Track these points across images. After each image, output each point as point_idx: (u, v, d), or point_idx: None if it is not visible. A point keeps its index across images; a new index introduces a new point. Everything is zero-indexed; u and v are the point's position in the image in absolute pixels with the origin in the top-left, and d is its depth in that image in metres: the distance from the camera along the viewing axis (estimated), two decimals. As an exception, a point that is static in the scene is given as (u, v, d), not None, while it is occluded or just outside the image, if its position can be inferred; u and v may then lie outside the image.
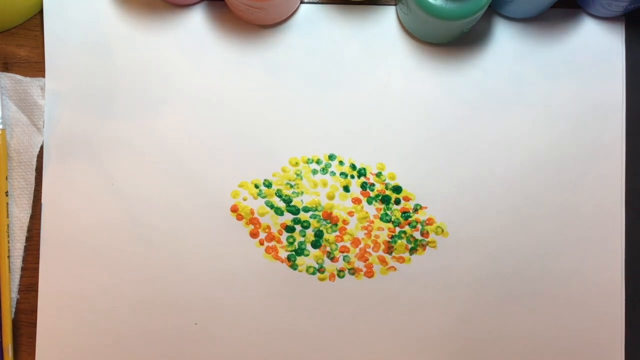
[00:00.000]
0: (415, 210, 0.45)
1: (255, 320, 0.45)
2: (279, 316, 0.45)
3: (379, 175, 0.45)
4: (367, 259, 0.45)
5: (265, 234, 0.45)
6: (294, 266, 0.45)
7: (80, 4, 0.46)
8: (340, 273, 0.45)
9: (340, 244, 0.45)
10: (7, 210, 0.44)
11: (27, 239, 0.45)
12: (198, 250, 0.45)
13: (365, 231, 0.45)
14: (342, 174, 0.45)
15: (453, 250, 0.45)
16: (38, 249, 0.45)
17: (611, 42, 0.46)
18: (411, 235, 0.45)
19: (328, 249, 0.45)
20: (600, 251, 0.45)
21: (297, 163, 0.45)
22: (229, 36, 0.46)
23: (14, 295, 0.45)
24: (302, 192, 0.45)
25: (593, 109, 0.46)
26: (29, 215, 0.45)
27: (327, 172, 0.45)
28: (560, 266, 0.45)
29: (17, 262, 0.45)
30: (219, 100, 0.46)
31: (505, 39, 0.46)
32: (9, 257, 0.44)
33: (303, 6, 0.46)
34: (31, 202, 0.45)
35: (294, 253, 0.45)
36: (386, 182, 0.45)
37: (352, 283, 0.45)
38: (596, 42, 0.46)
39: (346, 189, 0.45)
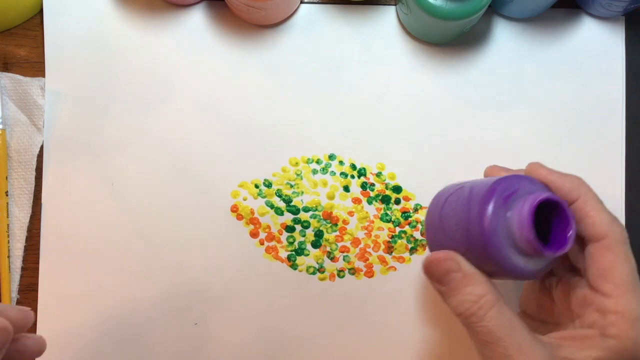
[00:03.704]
0: (415, 210, 0.45)
1: (255, 320, 0.45)
2: (279, 316, 0.45)
3: (379, 175, 0.45)
4: (367, 259, 0.45)
5: (265, 234, 0.45)
6: (294, 266, 0.45)
7: (80, 4, 0.46)
8: (340, 273, 0.45)
9: (340, 244, 0.45)
10: (7, 210, 0.44)
11: (27, 239, 0.45)
12: (198, 250, 0.45)
13: (365, 231, 0.45)
14: (342, 173, 0.45)
15: (453, 250, 0.45)
16: (38, 249, 0.45)
17: (611, 42, 0.46)
18: (411, 235, 0.45)
19: (328, 249, 0.45)
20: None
21: (297, 163, 0.45)
22: (229, 36, 0.46)
23: (14, 295, 0.45)
24: (302, 192, 0.45)
25: (593, 108, 0.46)
26: (29, 215, 0.45)
27: (327, 172, 0.45)
28: (560, 266, 0.45)
29: (17, 262, 0.45)
30: (218, 100, 0.46)
31: (505, 39, 0.46)
32: (9, 257, 0.44)
33: (303, 6, 0.46)
34: (31, 202, 0.45)
35: (294, 253, 0.45)
36: (386, 182, 0.45)
37: (352, 283, 0.45)
38: (596, 42, 0.46)
39: (346, 188, 0.45)
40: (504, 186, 0.31)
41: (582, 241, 0.33)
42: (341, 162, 0.45)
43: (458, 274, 0.31)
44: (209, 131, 0.45)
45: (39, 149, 0.45)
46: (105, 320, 0.45)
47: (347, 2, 0.46)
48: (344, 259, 0.45)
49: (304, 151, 0.45)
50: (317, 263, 0.45)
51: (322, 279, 0.45)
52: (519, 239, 0.30)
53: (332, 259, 0.45)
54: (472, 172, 0.45)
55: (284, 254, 0.45)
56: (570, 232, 0.31)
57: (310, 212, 0.45)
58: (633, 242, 0.45)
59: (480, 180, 0.34)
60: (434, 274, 0.32)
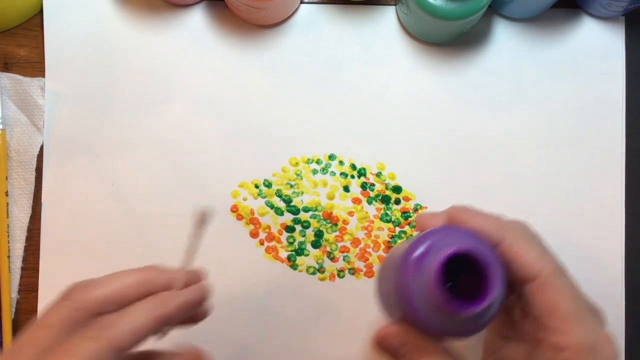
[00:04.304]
0: (415, 210, 0.45)
1: (255, 320, 0.45)
2: (279, 316, 0.45)
3: (379, 175, 0.45)
4: (367, 259, 0.45)
5: (265, 234, 0.45)
6: (294, 266, 0.45)
7: (80, 4, 0.46)
8: (340, 273, 0.45)
9: (340, 244, 0.45)
10: (7, 210, 0.44)
11: (27, 239, 0.45)
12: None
13: (365, 231, 0.45)
14: (342, 174, 0.45)
15: (453, 250, 0.45)
16: (38, 249, 0.45)
17: (611, 42, 0.46)
18: (411, 235, 0.45)
19: (328, 249, 0.45)
20: (600, 251, 0.45)
21: (297, 163, 0.45)
22: (229, 36, 0.46)
23: (14, 295, 0.45)
24: (302, 192, 0.45)
25: (593, 108, 0.46)
26: (29, 215, 0.45)
27: (327, 172, 0.45)
28: (560, 266, 0.45)
29: (17, 262, 0.45)
30: (218, 100, 0.46)
31: (505, 39, 0.46)
32: (9, 257, 0.44)
33: (303, 6, 0.46)
34: (31, 202, 0.45)
35: (294, 253, 0.45)
36: (386, 182, 0.45)
37: (352, 283, 0.45)
38: (596, 42, 0.46)
39: (346, 189, 0.45)
40: (416, 246, 0.29)
41: (519, 281, 0.31)
42: (341, 162, 0.45)
43: (409, 346, 0.30)
44: (209, 131, 0.45)
45: (39, 149, 0.45)
46: (105, 320, 0.45)
47: (347, 2, 0.46)
48: (344, 259, 0.45)
49: (304, 151, 0.45)
50: (317, 263, 0.45)
51: (322, 279, 0.45)
52: (434, 301, 0.28)
53: (332, 259, 0.45)
54: (472, 172, 0.45)
55: (284, 254, 0.45)
56: (489, 287, 0.28)
57: (310, 212, 0.45)
58: (633, 242, 0.45)
59: (407, 240, 0.32)
60: (385, 350, 0.31)
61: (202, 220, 0.31)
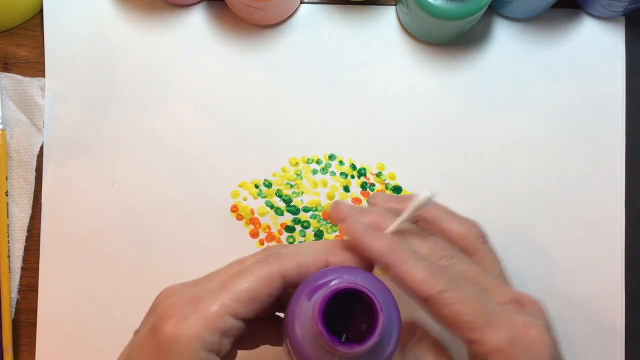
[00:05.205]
0: (415, 210, 0.45)
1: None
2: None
3: (379, 175, 0.45)
4: (367, 259, 0.45)
5: (265, 234, 0.45)
6: (294, 266, 0.45)
7: (80, 4, 0.46)
8: (340, 273, 0.45)
9: (340, 244, 0.45)
10: (7, 210, 0.44)
11: (27, 239, 0.45)
12: (198, 250, 0.45)
13: (365, 231, 0.45)
14: (342, 174, 0.45)
15: (453, 250, 0.45)
16: (38, 249, 0.45)
17: (611, 42, 0.46)
18: (411, 235, 0.45)
19: (328, 249, 0.45)
20: (600, 251, 0.45)
21: (297, 163, 0.45)
22: (229, 36, 0.46)
23: (14, 295, 0.45)
24: (302, 192, 0.45)
25: (593, 108, 0.46)
26: (29, 215, 0.45)
27: (327, 172, 0.45)
28: (561, 266, 0.45)
29: (17, 262, 0.45)
30: (219, 100, 0.46)
31: (505, 39, 0.46)
32: (9, 257, 0.44)
33: (303, 6, 0.46)
34: (31, 202, 0.45)
35: (294, 253, 0.45)
36: (386, 182, 0.45)
37: (352, 283, 0.45)
38: (596, 42, 0.46)
39: (346, 189, 0.45)
40: (314, 278, 0.29)
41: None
42: (341, 162, 0.45)
43: None
44: (209, 131, 0.45)
45: (39, 149, 0.45)
46: (105, 321, 0.45)
47: (347, 2, 0.46)
48: (344, 259, 0.45)
49: (304, 151, 0.45)
50: (317, 263, 0.45)
51: (322, 279, 0.45)
52: (313, 335, 0.27)
53: (332, 259, 0.45)
54: (472, 172, 0.45)
55: (284, 254, 0.45)
56: (373, 331, 0.27)
57: (310, 212, 0.45)
58: (633, 242, 0.45)
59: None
60: None
61: (422, 204, 0.30)
